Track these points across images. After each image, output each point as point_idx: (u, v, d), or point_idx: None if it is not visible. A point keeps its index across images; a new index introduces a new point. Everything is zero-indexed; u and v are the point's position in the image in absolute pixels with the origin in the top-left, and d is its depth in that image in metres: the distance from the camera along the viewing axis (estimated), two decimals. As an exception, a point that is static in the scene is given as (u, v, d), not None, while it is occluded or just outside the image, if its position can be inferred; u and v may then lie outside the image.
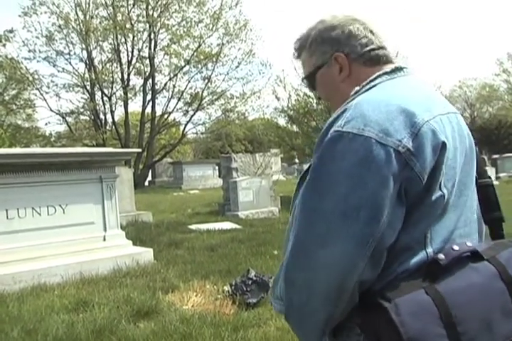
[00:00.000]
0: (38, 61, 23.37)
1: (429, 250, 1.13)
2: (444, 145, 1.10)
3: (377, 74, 1.25)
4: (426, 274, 1.09)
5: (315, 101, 15.04)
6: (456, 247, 1.12)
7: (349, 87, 1.28)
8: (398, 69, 1.27)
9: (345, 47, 1.29)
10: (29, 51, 22.98)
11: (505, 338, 1.09)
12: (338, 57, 1.30)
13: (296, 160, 31.02)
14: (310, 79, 1.39)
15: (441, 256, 1.10)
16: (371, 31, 1.31)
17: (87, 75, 23.52)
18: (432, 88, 1.30)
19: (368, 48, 1.29)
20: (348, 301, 1.09)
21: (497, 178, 20.62)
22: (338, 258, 1.05)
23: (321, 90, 1.40)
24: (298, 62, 1.42)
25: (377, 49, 1.30)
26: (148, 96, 24.49)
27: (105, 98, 24.37)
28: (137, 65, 24.30)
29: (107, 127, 24.96)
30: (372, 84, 1.22)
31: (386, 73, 1.25)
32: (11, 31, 22.52)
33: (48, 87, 23.54)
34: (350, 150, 1.06)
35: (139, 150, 14.96)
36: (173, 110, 25.32)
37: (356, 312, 1.11)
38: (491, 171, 16.53)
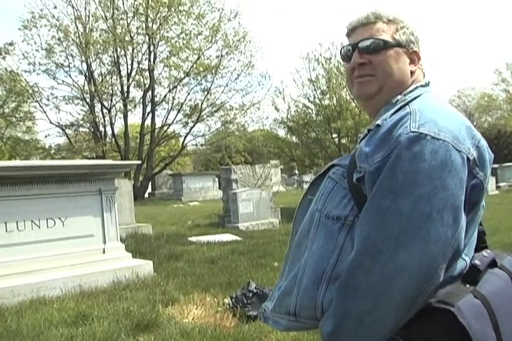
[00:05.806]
0: (37, 74, 23.47)
1: (466, 258, 1.16)
2: (491, 160, 1.19)
3: (415, 85, 1.30)
4: (465, 279, 1.12)
5: (314, 112, 15.08)
6: (485, 254, 1.19)
7: (415, 76, 1.33)
8: (427, 84, 1.33)
9: (418, 48, 1.36)
10: (29, 64, 23.07)
11: None
12: (418, 53, 1.35)
13: (296, 172, 31.02)
14: (375, 45, 1.29)
15: (477, 262, 1.15)
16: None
17: (86, 88, 23.61)
18: None
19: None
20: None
21: (497, 188, 20.62)
22: (420, 261, 1.04)
23: (382, 62, 1.29)
24: (365, 22, 1.33)
25: None
26: (148, 108, 24.59)
27: (105, 110, 24.44)
28: (137, 77, 24.38)
29: (107, 139, 24.98)
30: (415, 94, 1.26)
31: (422, 86, 1.31)
32: (10, 44, 22.71)
33: (48, 100, 23.62)
34: (429, 152, 1.07)
35: (139, 162, 14.93)
36: (172, 122, 25.39)
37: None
38: (491, 181, 16.52)
